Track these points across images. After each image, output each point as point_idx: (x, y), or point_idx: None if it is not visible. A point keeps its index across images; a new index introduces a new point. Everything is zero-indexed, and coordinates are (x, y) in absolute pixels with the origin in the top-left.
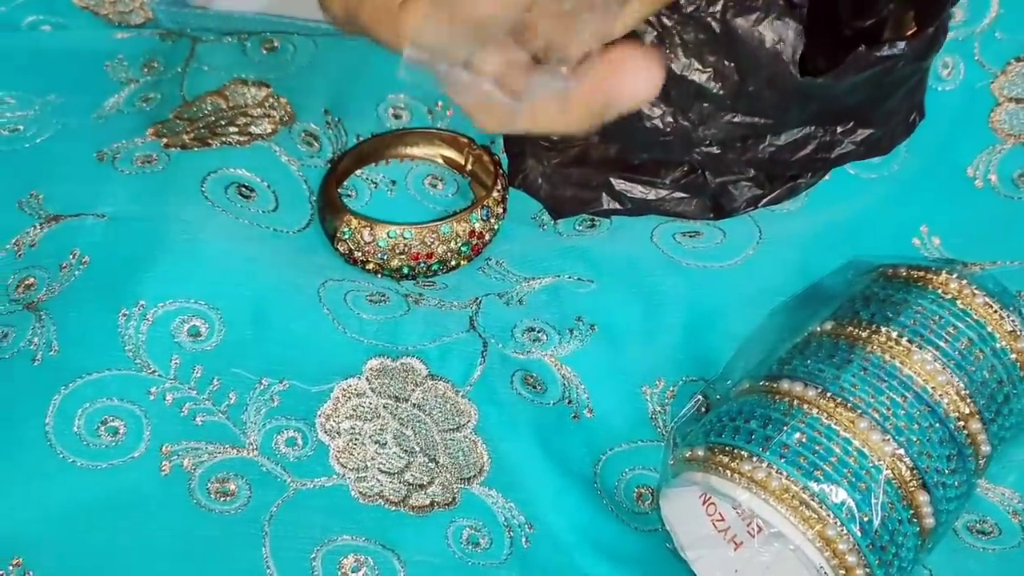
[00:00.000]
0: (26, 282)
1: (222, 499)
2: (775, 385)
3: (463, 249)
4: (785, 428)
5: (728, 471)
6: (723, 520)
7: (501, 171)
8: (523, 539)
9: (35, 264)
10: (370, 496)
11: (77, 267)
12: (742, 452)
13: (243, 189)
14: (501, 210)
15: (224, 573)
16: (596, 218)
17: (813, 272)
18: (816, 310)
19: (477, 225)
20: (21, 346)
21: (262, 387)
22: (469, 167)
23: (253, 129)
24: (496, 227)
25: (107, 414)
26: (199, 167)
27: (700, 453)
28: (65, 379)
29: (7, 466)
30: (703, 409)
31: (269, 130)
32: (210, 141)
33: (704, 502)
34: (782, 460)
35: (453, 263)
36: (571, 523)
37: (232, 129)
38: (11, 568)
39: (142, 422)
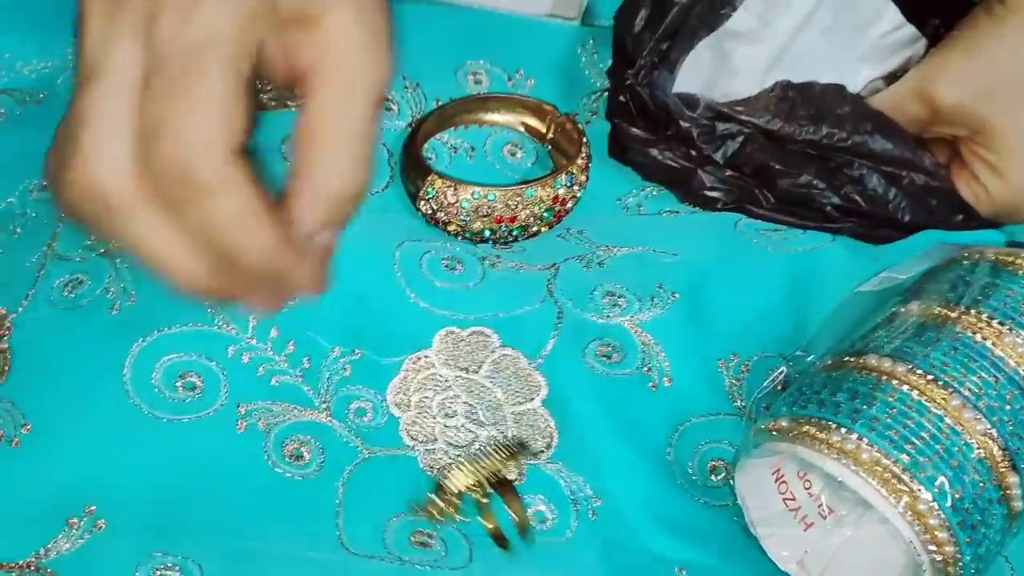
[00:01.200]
0: None
1: (296, 462)
2: (862, 360)
3: (545, 215)
4: (874, 402)
5: (816, 442)
6: (794, 500)
7: (585, 140)
8: (590, 512)
9: None
10: (438, 469)
11: None
12: (830, 424)
13: None
14: (584, 179)
15: (296, 535)
16: (681, 208)
17: (890, 258)
18: (898, 292)
19: (561, 191)
20: (98, 293)
21: (335, 355)
22: (551, 135)
23: None
24: (579, 195)
25: (185, 369)
26: (278, 129)
27: (784, 424)
28: (144, 331)
29: (85, 414)
30: (779, 388)
31: None
32: (288, 103)
33: (777, 480)
34: (872, 433)
35: (534, 229)
36: (639, 497)
37: None
38: (84, 515)
39: (219, 379)
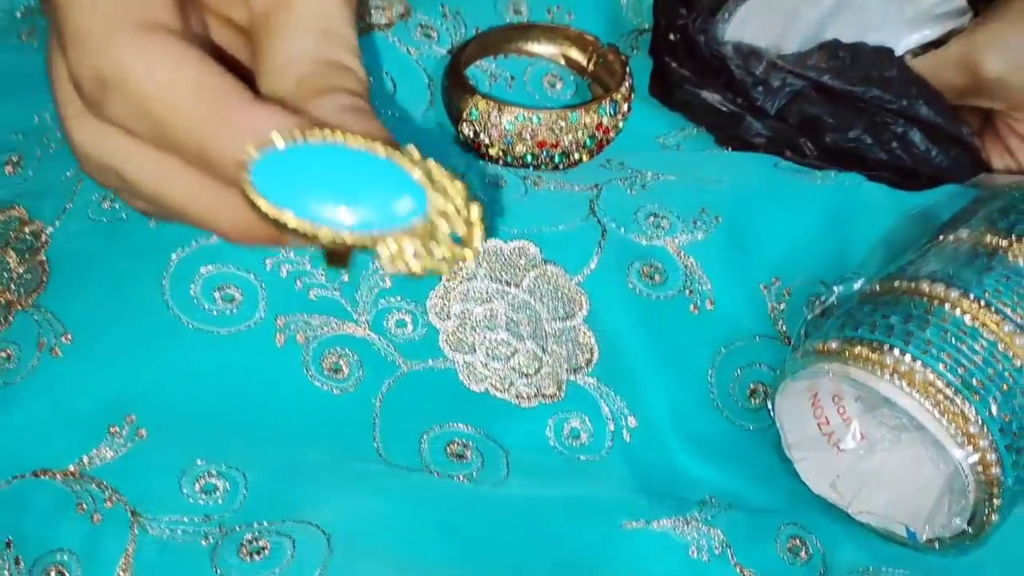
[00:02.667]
0: None
1: (334, 376)
2: (914, 285)
3: (588, 142)
4: (927, 325)
5: (869, 363)
6: (828, 424)
7: (629, 71)
8: (624, 432)
9: None
10: (477, 381)
11: None
12: (883, 345)
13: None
14: (627, 108)
15: (334, 449)
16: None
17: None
18: (945, 219)
19: (604, 118)
20: None
21: (374, 267)
22: (592, 68)
23: (368, 19)
24: (621, 125)
25: (224, 281)
26: None
27: (835, 345)
28: (182, 242)
29: (124, 324)
30: (820, 314)
31: (384, 21)
32: None
33: (812, 404)
34: (925, 355)
35: (576, 156)
36: (676, 418)
37: None
38: (125, 424)
39: (258, 292)
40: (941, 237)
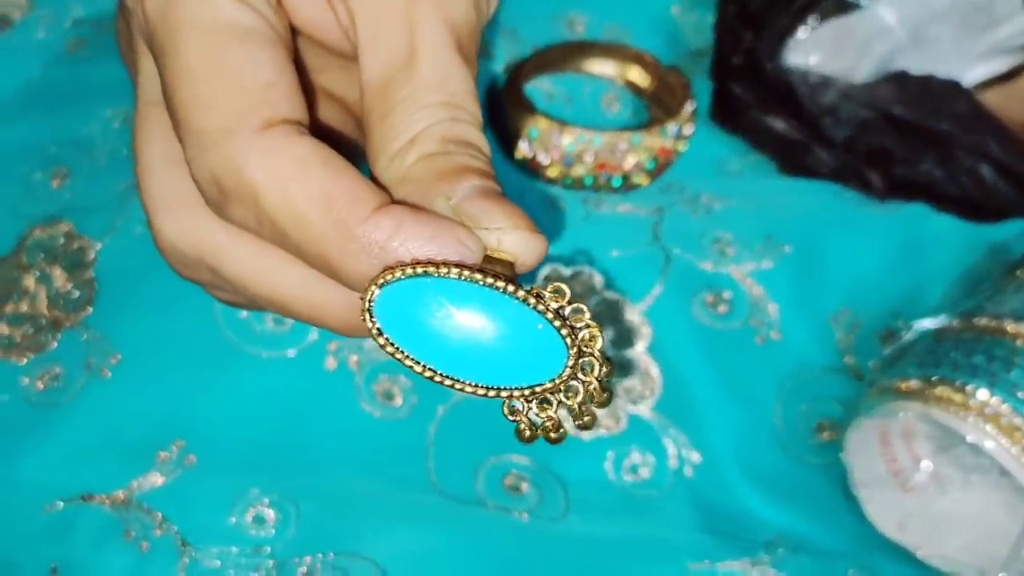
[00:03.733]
0: None
1: (387, 402)
2: (996, 323)
3: (649, 165)
4: (1013, 366)
5: (951, 404)
6: (896, 462)
7: (691, 93)
8: (687, 468)
9: None
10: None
11: None
12: (967, 386)
13: None
14: (690, 132)
15: (387, 479)
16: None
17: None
18: (1021, 253)
19: (667, 142)
20: None
21: None
22: (652, 89)
23: None
24: (682, 149)
25: None
26: None
27: (915, 384)
28: None
29: (174, 346)
30: (896, 349)
31: None
32: None
33: (882, 441)
34: (1012, 398)
35: (636, 180)
36: (740, 454)
37: None
38: (173, 449)
39: None
40: (1019, 273)
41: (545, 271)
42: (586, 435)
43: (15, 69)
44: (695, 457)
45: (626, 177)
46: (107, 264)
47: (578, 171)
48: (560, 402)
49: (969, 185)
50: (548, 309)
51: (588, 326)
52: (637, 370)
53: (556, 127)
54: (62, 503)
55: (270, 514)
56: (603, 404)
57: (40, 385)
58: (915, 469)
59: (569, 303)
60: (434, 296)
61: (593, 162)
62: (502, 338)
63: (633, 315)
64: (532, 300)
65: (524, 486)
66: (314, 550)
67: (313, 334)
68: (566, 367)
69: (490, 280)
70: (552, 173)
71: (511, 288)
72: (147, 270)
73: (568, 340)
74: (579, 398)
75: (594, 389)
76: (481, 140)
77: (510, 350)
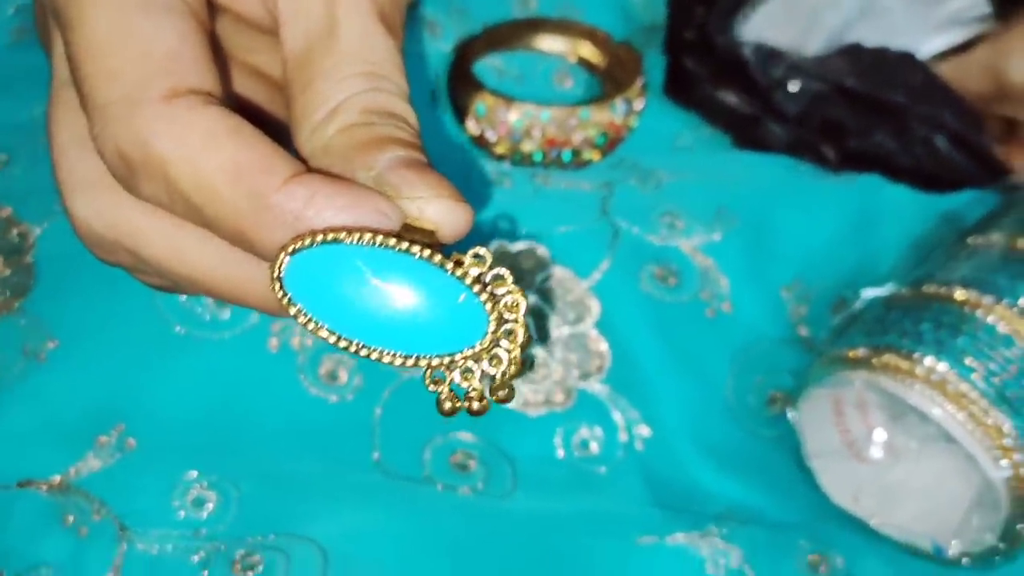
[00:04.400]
0: None
1: (331, 383)
2: (945, 291)
3: (599, 140)
4: (960, 333)
5: (898, 372)
6: (850, 433)
7: (643, 69)
8: (637, 442)
9: None
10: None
11: None
12: (914, 353)
13: None
14: (640, 106)
15: (330, 460)
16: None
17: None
18: (972, 222)
19: (617, 117)
20: None
21: None
22: (604, 65)
23: None
24: (633, 124)
25: None
26: None
27: (862, 353)
28: None
29: (112, 329)
30: (846, 318)
31: None
32: None
33: (835, 412)
34: (958, 365)
35: (586, 156)
36: (692, 427)
37: None
38: (113, 433)
39: None
40: (970, 240)
41: (492, 247)
42: (534, 411)
43: None
44: (645, 431)
45: (576, 152)
46: (46, 250)
47: (527, 147)
48: (483, 372)
49: (924, 156)
50: (467, 275)
51: (510, 292)
52: (586, 346)
53: (503, 103)
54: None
55: (211, 496)
56: (519, 374)
57: None
58: (869, 439)
59: (490, 268)
60: (350, 264)
61: (541, 138)
62: (420, 306)
63: (580, 290)
64: (451, 266)
65: (471, 464)
66: (255, 532)
67: (255, 316)
68: (487, 334)
69: (405, 246)
70: (500, 149)
71: (427, 253)
72: (86, 256)
73: (488, 306)
74: (503, 367)
75: (515, 357)
76: (406, 111)
77: (429, 319)
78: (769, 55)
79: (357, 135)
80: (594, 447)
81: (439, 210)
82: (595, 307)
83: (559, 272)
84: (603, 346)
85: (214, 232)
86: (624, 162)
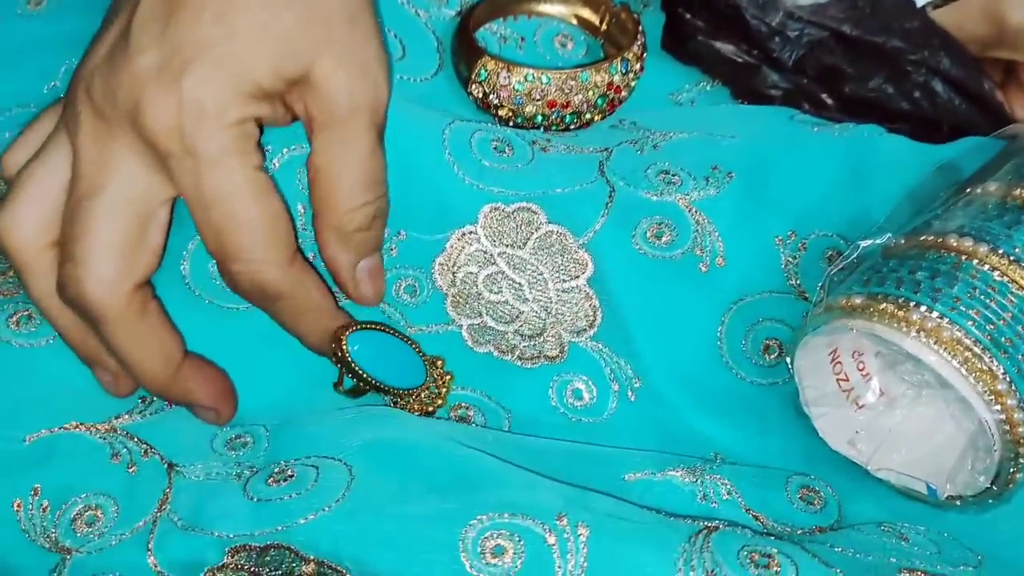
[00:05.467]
0: None
1: None
2: (941, 240)
3: (599, 101)
4: (956, 281)
5: (895, 320)
6: (847, 380)
7: (641, 29)
8: (629, 393)
9: None
10: (481, 344)
11: None
12: (910, 302)
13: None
14: (639, 67)
15: (347, 406)
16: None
17: (949, 152)
18: (970, 172)
19: (616, 77)
20: None
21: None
22: (604, 27)
23: None
24: (633, 84)
25: None
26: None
27: (859, 301)
28: (194, 233)
29: None
30: (842, 268)
31: None
32: None
33: (832, 360)
34: (953, 312)
35: (587, 116)
36: (681, 378)
37: None
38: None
39: None
40: (968, 190)
41: (486, 209)
42: (529, 364)
43: None
44: (636, 383)
45: (577, 114)
46: None
47: (529, 110)
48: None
49: (922, 101)
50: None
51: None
52: (579, 302)
53: (504, 68)
54: (46, 432)
55: (245, 438)
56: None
57: (12, 324)
58: (865, 385)
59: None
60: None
61: (542, 101)
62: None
63: (575, 248)
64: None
65: (470, 415)
66: (286, 458)
67: None
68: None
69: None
70: (503, 113)
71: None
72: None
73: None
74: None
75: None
76: (386, 208)
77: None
78: (765, 2)
79: (360, 242)
80: (587, 398)
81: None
82: (589, 264)
83: (555, 230)
84: (595, 302)
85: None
86: (624, 122)
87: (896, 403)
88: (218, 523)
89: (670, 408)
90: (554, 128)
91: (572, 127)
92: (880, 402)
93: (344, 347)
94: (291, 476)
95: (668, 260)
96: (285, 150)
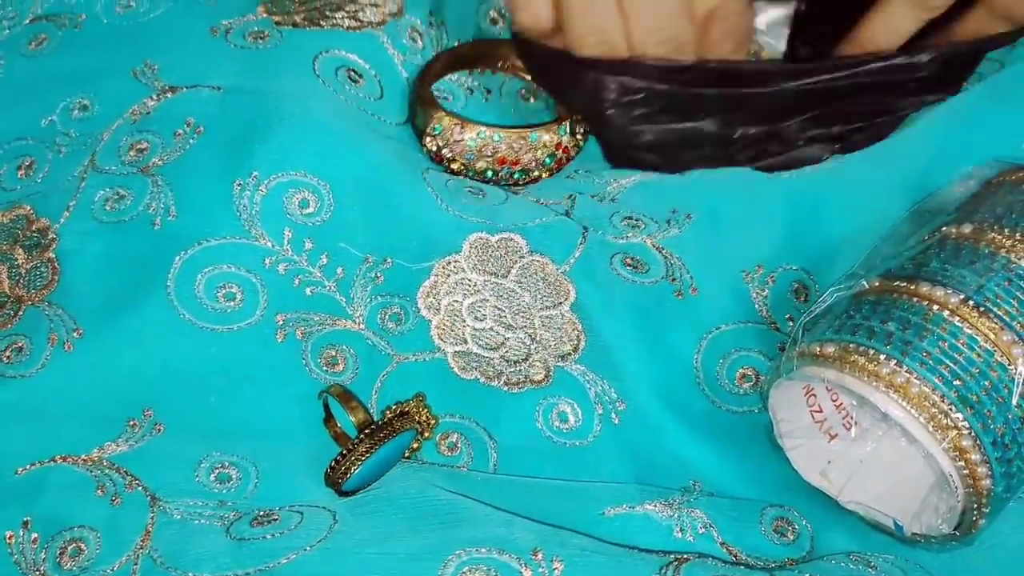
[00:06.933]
0: (138, 146)
1: (332, 369)
2: (913, 287)
3: (547, 160)
4: (926, 334)
5: (865, 373)
6: (821, 412)
7: None
8: (613, 416)
9: (148, 129)
10: (468, 371)
11: (191, 135)
12: (880, 355)
13: (352, 73)
14: (586, 129)
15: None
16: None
17: (910, 163)
18: (947, 211)
19: (565, 138)
20: (140, 210)
21: (368, 264)
22: None
23: (362, 16)
24: (581, 144)
25: (225, 280)
26: (311, 45)
27: (832, 351)
28: (184, 244)
29: (135, 324)
30: (799, 299)
31: (377, 20)
32: (320, 23)
33: (806, 393)
34: (922, 368)
35: (535, 174)
36: (664, 401)
37: (341, 14)
38: (144, 417)
39: (258, 290)
40: (944, 229)
41: (471, 238)
42: (515, 389)
43: None
44: (620, 406)
45: (526, 171)
46: (67, 246)
47: (480, 165)
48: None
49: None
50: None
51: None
52: (562, 327)
53: (458, 124)
54: (34, 465)
55: (232, 473)
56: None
57: (5, 358)
58: (839, 417)
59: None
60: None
61: (493, 157)
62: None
63: (556, 275)
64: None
65: (459, 444)
66: (272, 503)
67: (261, 310)
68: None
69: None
70: (455, 167)
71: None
72: (105, 253)
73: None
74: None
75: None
76: None
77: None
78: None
79: None
80: (572, 421)
81: None
82: (571, 291)
83: (536, 259)
84: (578, 327)
85: None
86: (579, 172)
87: (868, 434)
88: (200, 565)
89: (652, 431)
90: (503, 183)
91: (520, 183)
92: (852, 433)
93: (341, 487)
94: (275, 520)
95: (645, 286)
96: (272, 177)
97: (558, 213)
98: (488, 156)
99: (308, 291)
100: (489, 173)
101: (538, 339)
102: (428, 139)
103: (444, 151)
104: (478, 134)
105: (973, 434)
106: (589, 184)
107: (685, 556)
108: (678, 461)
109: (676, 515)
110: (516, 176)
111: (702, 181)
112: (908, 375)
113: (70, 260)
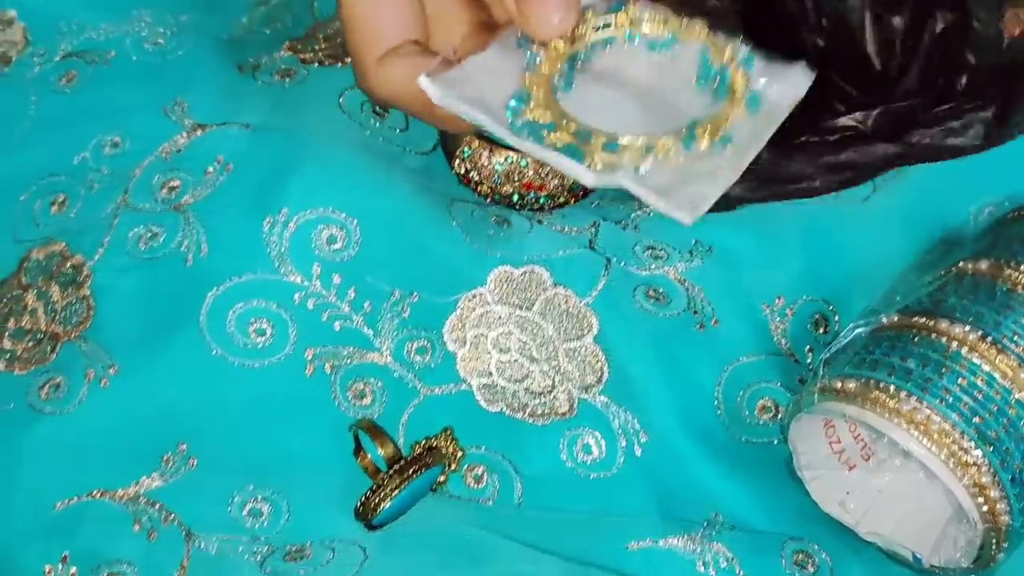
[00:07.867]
0: (170, 184)
1: (360, 402)
2: (932, 323)
3: (574, 187)
4: (945, 371)
5: (886, 410)
6: (839, 443)
7: None
8: (636, 447)
9: (179, 167)
10: (493, 403)
11: (221, 173)
12: (900, 392)
13: (376, 107)
14: None
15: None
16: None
17: (936, 207)
18: (965, 246)
19: None
20: (172, 247)
21: (395, 299)
22: None
23: None
24: None
25: (256, 316)
26: (337, 82)
27: (852, 386)
28: (216, 281)
29: (168, 359)
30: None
31: None
32: (345, 59)
33: (825, 425)
34: (943, 404)
35: (561, 200)
36: (686, 433)
37: None
38: (178, 452)
39: (288, 325)
40: (961, 264)
41: (495, 272)
42: (541, 421)
43: (14, 103)
44: (644, 437)
45: (551, 197)
46: (102, 283)
47: (506, 189)
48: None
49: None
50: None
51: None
52: (586, 359)
53: (487, 148)
54: (72, 500)
55: (264, 508)
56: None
57: (43, 394)
58: (857, 448)
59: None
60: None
61: (520, 182)
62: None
63: (580, 308)
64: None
65: (484, 477)
66: (304, 538)
67: (290, 345)
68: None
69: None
70: (482, 190)
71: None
72: (139, 289)
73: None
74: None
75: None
76: None
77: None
78: None
79: None
80: (596, 452)
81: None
82: (594, 323)
83: (560, 292)
84: (602, 359)
85: None
86: (604, 198)
87: (885, 465)
88: None
89: (675, 462)
90: (528, 208)
91: (546, 208)
92: (870, 464)
93: (371, 522)
94: (308, 556)
95: (668, 318)
96: (301, 213)
97: (581, 244)
98: (515, 181)
99: (336, 325)
100: (515, 197)
101: (562, 371)
102: (457, 161)
103: (472, 174)
104: (506, 159)
105: (992, 471)
106: (614, 211)
107: None
108: (700, 492)
109: (699, 549)
110: (542, 201)
111: (723, 214)
112: (929, 412)
113: (105, 296)
